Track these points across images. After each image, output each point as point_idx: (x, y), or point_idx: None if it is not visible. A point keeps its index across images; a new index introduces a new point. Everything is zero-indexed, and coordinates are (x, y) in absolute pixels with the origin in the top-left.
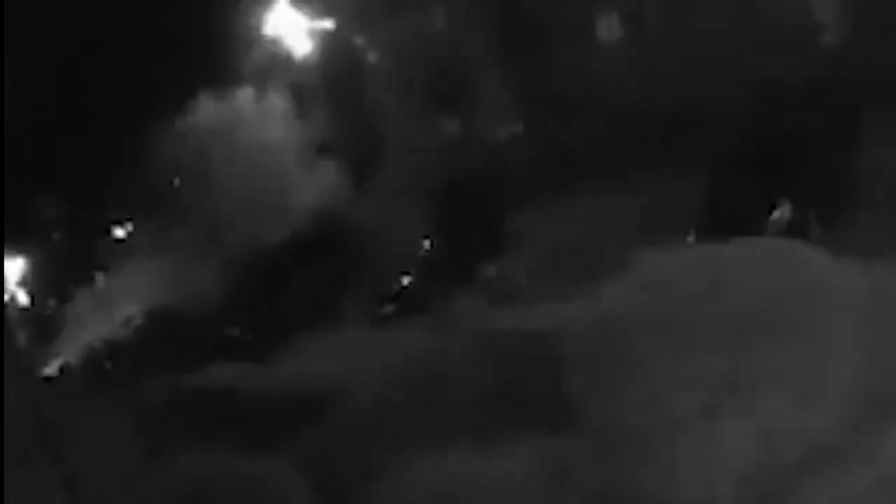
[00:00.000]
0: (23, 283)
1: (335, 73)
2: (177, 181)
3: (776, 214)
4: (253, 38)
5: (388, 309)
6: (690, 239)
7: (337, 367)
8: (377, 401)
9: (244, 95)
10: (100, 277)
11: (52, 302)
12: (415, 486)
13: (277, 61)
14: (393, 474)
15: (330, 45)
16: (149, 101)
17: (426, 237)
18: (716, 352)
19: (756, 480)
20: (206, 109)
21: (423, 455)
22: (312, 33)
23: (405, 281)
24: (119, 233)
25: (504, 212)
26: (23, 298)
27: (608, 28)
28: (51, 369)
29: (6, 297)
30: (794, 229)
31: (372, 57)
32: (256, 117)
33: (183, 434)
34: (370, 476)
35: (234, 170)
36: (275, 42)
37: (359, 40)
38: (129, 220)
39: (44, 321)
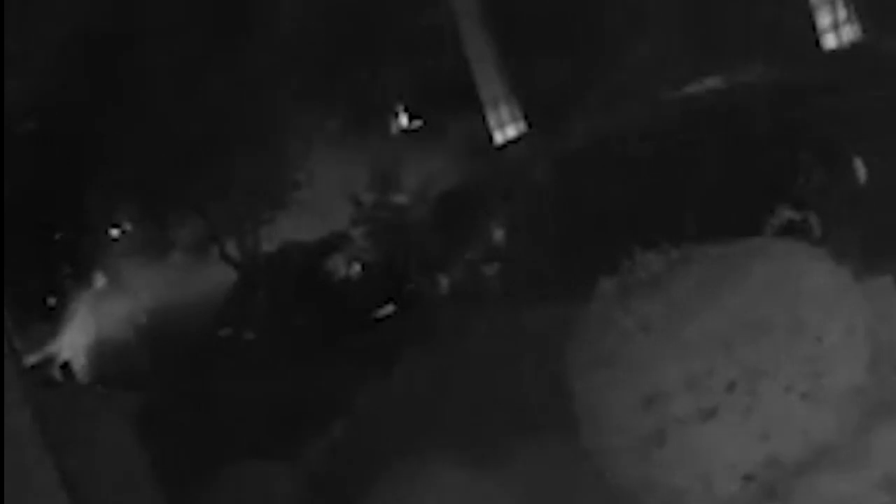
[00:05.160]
0: (23, 283)
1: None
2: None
3: (776, 215)
4: None
5: (388, 309)
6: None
7: (336, 372)
8: (378, 408)
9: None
10: (100, 277)
11: (52, 302)
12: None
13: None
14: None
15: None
16: (152, 98)
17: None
18: (716, 352)
19: (756, 480)
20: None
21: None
22: None
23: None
24: (119, 233)
25: (502, 212)
26: (23, 298)
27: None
28: (51, 369)
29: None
30: (794, 229)
31: None
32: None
33: (184, 435)
34: (371, 482)
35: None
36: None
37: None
38: (129, 220)
39: (44, 321)
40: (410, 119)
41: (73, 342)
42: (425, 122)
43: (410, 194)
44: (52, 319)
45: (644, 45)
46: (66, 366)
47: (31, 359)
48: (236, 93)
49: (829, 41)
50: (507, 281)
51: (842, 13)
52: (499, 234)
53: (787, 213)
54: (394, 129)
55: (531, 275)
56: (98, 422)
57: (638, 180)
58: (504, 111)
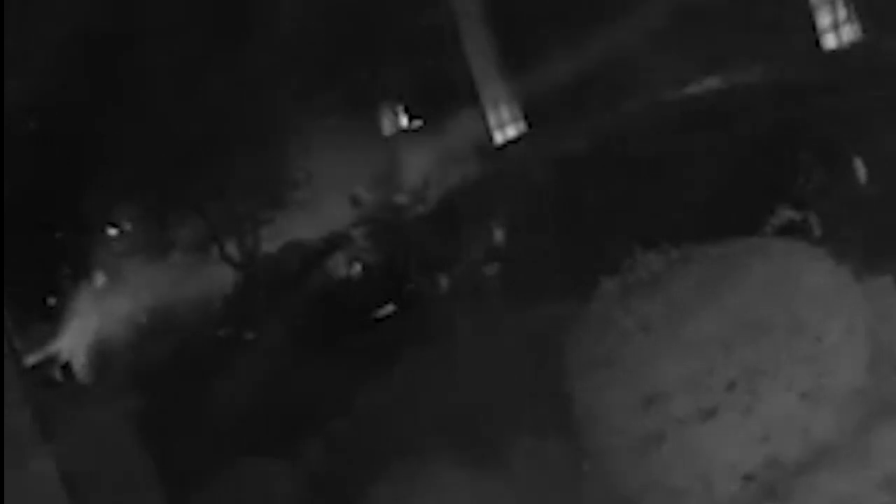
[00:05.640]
0: (23, 283)
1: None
2: None
3: (776, 215)
4: None
5: (388, 309)
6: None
7: (336, 372)
8: (378, 408)
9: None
10: (100, 277)
11: (52, 302)
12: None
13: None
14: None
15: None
16: (152, 98)
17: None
18: (716, 352)
19: (756, 480)
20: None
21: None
22: None
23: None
24: (118, 232)
25: (502, 212)
26: (23, 298)
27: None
28: (51, 369)
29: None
30: (794, 229)
31: None
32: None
33: (184, 435)
34: (371, 482)
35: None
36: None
37: None
38: (129, 219)
39: (44, 321)
40: (410, 119)
41: (74, 342)
42: (425, 122)
43: (410, 194)
44: (52, 319)
45: (644, 45)
46: (66, 366)
47: (31, 359)
48: (236, 93)
49: (829, 41)
50: (507, 281)
51: (842, 13)
52: (499, 234)
53: (787, 213)
54: (394, 129)
55: (531, 275)
56: (98, 422)
57: (638, 180)
58: (504, 111)
